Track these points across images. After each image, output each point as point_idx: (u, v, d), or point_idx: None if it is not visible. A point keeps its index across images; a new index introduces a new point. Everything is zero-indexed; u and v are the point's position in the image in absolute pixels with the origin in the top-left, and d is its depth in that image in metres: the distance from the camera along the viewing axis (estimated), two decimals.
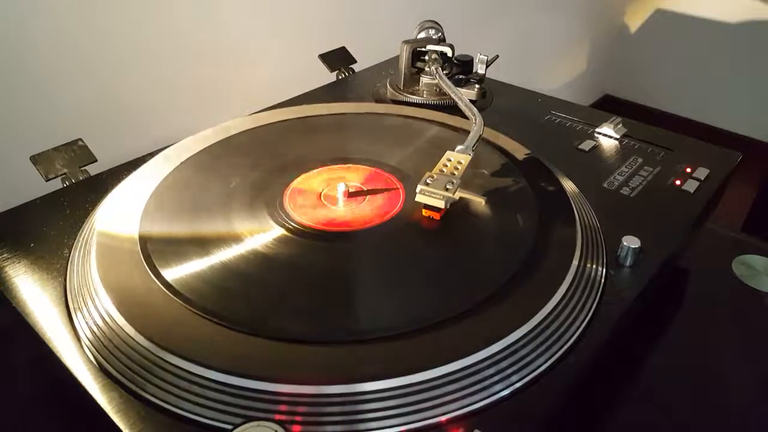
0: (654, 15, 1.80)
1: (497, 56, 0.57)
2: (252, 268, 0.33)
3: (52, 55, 0.57)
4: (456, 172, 0.38)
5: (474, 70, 0.57)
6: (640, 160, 0.47)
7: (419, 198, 0.36)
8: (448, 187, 0.36)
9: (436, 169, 0.38)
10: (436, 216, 0.37)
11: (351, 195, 0.40)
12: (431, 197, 0.36)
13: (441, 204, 0.36)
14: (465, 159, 0.39)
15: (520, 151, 0.45)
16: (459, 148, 0.40)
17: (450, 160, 0.39)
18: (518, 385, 0.28)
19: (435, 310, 0.30)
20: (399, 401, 0.26)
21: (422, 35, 0.57)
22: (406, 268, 0.35)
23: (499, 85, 0.60)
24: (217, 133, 0.47)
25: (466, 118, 0.46)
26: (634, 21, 1.85)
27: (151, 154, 0.45)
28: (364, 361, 0.28)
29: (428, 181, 0.37)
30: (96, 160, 0.44)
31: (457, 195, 0.37)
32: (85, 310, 0.31)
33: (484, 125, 0.44)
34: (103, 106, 0.63)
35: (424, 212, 0.37)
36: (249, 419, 0.24)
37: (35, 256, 0.36)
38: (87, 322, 0.31)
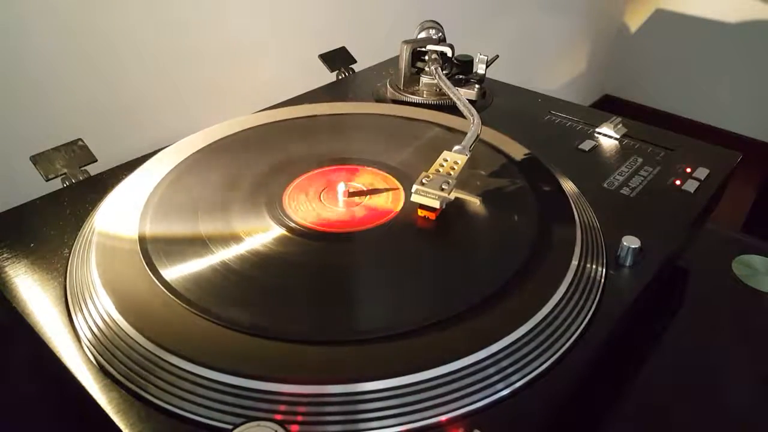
0: (654, 15, 1.80)
1: (497, 56, 0.57)
2: (252, 268, 0.33)
3: (52, 55, 0.57)
4: (452, 172, 0.38)
5: (474, 70, 0.57)
6: (640, 160, 0.47)
7: (415, 198, 0.36)
8: (443, 187, 0.36)
9: (432, 169, 0.38)
10: (432, 216, 0.37)
11: (351, 195, 0.40)
12: (427, 197, 0.36)
13: (436, 204, 0.36)
14: (462, 159, 0.39)
15: (519, 151, 0.45)
16: (456, 148, 0.40)
17: (446, 160, 0.39)
18: (518, 385, 0.28)
19: (435, 309, 0.30)
20: (399, 401, 0.26)
21: (422, 35, 0.57)
22: (407, 268, 0.35)
23: (499, 85, 0.60)
24: (216, 133, 0.47)
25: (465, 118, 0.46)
26: (634, 21, 1.85)
27: (151, 154, 0.45)
28: (364, 361, 0.28)
29: (424, 181, 0.37)
30: (96, 160, 0.44)
31: (453, 195, 0.37)
32: (85, 310, 0.31)
33: (483, 125, 0.44)
34: (103, 106, 0.63)
35: (420, 212, 0.37)
36: (249, 419, 0.24)
37: (35, 256, 0.36)
38: (87, 322, 0.31)
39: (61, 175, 0.43)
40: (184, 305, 0.30)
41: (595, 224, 0.39)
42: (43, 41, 0.56)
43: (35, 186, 0.42)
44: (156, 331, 0.29)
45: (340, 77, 0.62)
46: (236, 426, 0.24)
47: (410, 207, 0.38)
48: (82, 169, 0.43)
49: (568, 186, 0.42)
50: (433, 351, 0.28)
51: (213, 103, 0.74)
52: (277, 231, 0.36)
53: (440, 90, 0.54)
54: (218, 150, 0.45)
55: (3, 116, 0.55)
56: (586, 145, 0.49)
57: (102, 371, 0.29)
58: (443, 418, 0.26)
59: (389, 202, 0.39)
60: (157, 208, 0.38)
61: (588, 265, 0.35)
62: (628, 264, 0.36)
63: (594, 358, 0.30)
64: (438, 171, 0.38)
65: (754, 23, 1.64)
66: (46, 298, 0.33)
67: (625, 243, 0.36)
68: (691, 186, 0.43)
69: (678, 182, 0.44)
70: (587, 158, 0.47)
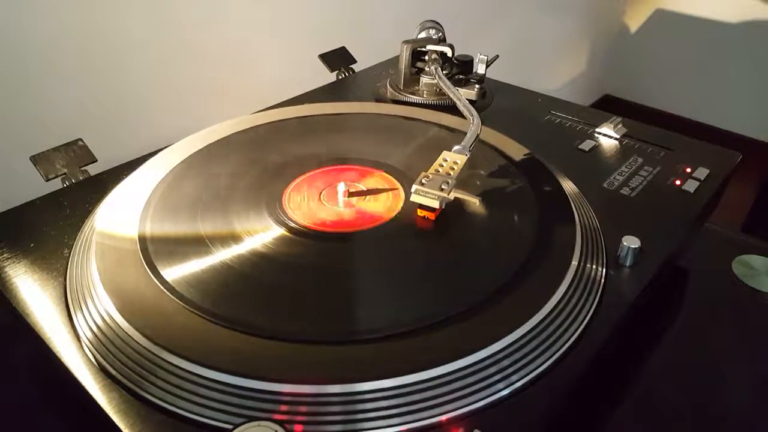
0: (654, 15, 1.80)
1: (497, 56, 0.57)
2: (252, 268, 0.33)
3: (52, 54, 0.57)
4: (452, 173, 0.38)
5: (474, 70, 0.57)
6: (640, 160, 0.47)
7: (414, 198, 0.37)
8: (443, 187, 0.36)
9: (431, 169, 0.38)
10: (431, 216, 0.37)
11: (351, 195, 0.40)
12: (426, 197, 0.36)
13: (436, 204, 0.36)
14: (461, 159, 0.39)
15: (519, 151, 0.45)
16: (456, 148, 0.40)
17: (446, 160, 0.39)
18: (518, 384, 0.28)
19: (435, 309, 0.30)
20: (399, 401, 0.26)
21: (423, 35, 0.57)
22: (407, 268, 0.35)
23: (499, 85, 0.60)
24: (216, 133, 0.47)
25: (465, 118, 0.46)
26: (634, 21, 1.85)
27: (151, 154, 0.45)
28: (364, 361, 0.28)
29: (423, 181, 0.37)
30: (96, 160, 0.44)
31: (452, 195, 0.37)
32: (85, 310, 0.31)
33: (483, 125, 0.44)
34: (103, 106, 0.63)
35: (419, 212, 0.37)
36: (249, 419, 0.24)
37: (35, 256, 0.36)
38: (87, 322, 0.31)
39: (61, 175, 0.43)
40: (184, 305, 0.30)
41: (595, 224, 0.39)
42: (43, 41, 0.56)
43: (35, 186, 0.42)
44: (156, 331, 0.29)
45: (340, 77, 0.62)
46: (236, 426, 0.24)
47: (410, 207, 0.38)
48: (82, 169, 0.43)
49: (568, 186, 0.42)
50: (433, 351, 0.28)
51: (213, 103, 0.74)
52: (277, 231, 0.36)
53: (440, 90, 0.54)
54: (218, 150, 0.45)
55: (3, 116, 0.55)
56: (586, 145, 0.49)
57: (102, 371, 0.29)
58: (443, 418, 0.26)
59: (389, 202, 0.39)
60: (157, 208, 0.38)
61: (588, 265, 0.35)
62: (628, 264, 0.36)
63: (594, 358, 0.30)
64: (438, 171, 0.38)
65: (754, 23, 1.64)
66: (46, 298, 0.33)
67: (625, 243, 0.36)
68: (691, 186, 0.43)
69: (678, 182, 0.44)
70: (587, 158, 0.47)
